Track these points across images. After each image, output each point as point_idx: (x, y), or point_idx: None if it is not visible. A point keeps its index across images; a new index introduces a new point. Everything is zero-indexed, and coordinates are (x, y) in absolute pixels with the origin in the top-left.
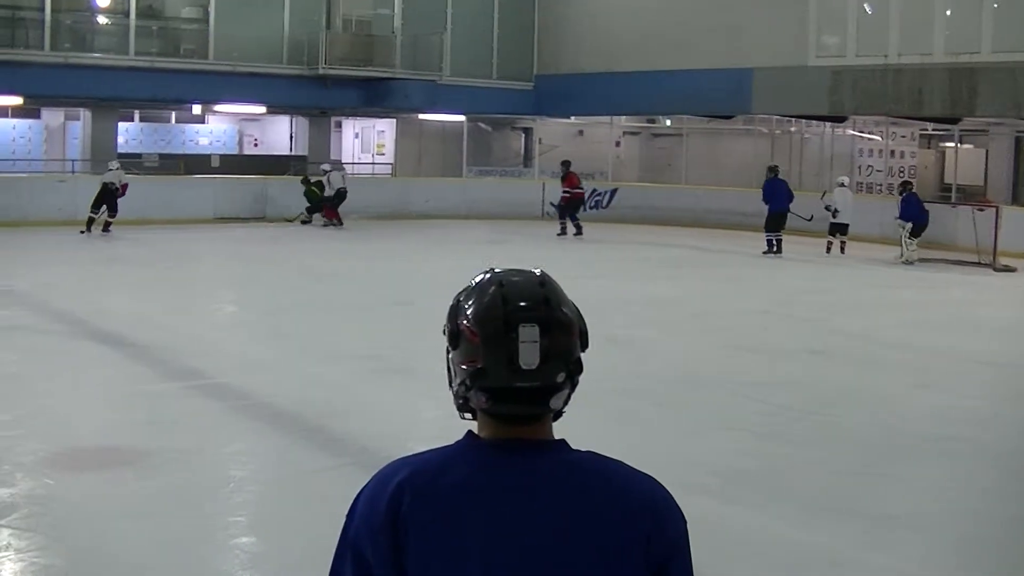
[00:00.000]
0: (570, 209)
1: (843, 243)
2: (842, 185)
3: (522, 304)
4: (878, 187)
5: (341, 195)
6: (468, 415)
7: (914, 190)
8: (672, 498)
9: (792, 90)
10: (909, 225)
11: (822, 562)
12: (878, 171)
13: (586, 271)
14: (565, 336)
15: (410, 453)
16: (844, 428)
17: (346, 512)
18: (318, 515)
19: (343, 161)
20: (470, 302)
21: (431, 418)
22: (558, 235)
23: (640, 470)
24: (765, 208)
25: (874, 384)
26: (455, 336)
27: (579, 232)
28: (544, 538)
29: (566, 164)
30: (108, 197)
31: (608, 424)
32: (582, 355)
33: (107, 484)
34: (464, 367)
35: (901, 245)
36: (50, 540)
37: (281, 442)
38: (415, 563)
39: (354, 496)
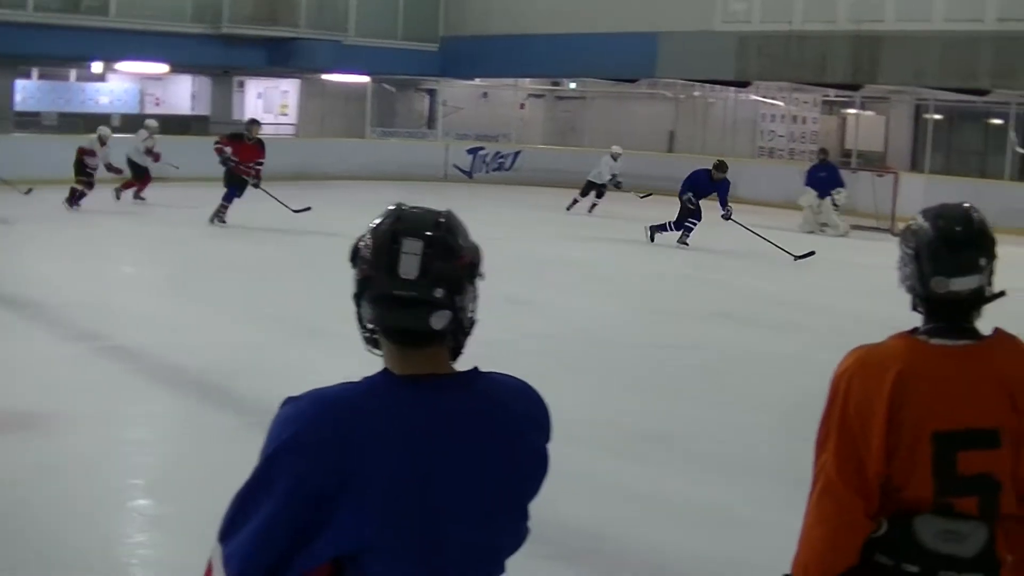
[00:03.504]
0: (235, 184)
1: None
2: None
3: (412, 221)
4: (780, 152)
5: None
6: (376, 350)
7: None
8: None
9: (697, 55)
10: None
11: (728, 523)
12: (780, 136)
13: (494, 232)
14: (448, 255)
15: None
16: (756, 391)
17: (261, 456)
18: (219, 475)
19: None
20: (373, 224)
21: (339, 377)
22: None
23: (528, 385)
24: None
25: (786, 347)
26: (355, 253)
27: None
28: (459, 464)
29: (250, 124)
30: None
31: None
32: (478, 288)
33: (3, 448)
34: (357, 280)
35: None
36: None
37: (184, 404)
38: (345, 494)
39: (269, 441)
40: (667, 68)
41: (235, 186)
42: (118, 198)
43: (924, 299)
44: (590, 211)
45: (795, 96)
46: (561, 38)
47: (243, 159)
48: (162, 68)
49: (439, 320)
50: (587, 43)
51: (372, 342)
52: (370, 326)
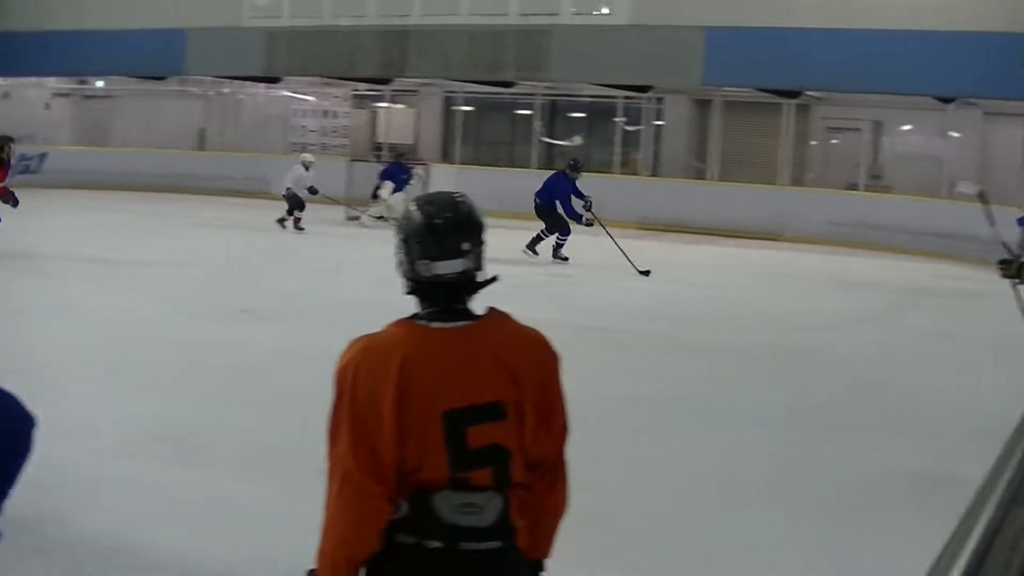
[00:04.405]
0: None
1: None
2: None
3: None
4: (312, 147)
5: None
6: None
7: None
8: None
9: (226, 51)
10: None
11: (254, 519)
12: (312, 131)
13: (41, 240)
14: None
15: None
16: (280, 387)
17: None
18: None
19: None
20: None
21: None
22: None
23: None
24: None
25: (311, 342)
26: None
27: None
28: None
29: (8, 141)
30: None
31: (59, 391)
32: None
33: None
34: None
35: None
36: None
37: None
38: None
39: None
40: (196, 65)
41: None
42: None
43: (416, 283)
44: (296, 226)
45: (326, 91)
46: (87, 34)
47: None
48: None
49: None
50: (114, 40)
51: None
52: None
